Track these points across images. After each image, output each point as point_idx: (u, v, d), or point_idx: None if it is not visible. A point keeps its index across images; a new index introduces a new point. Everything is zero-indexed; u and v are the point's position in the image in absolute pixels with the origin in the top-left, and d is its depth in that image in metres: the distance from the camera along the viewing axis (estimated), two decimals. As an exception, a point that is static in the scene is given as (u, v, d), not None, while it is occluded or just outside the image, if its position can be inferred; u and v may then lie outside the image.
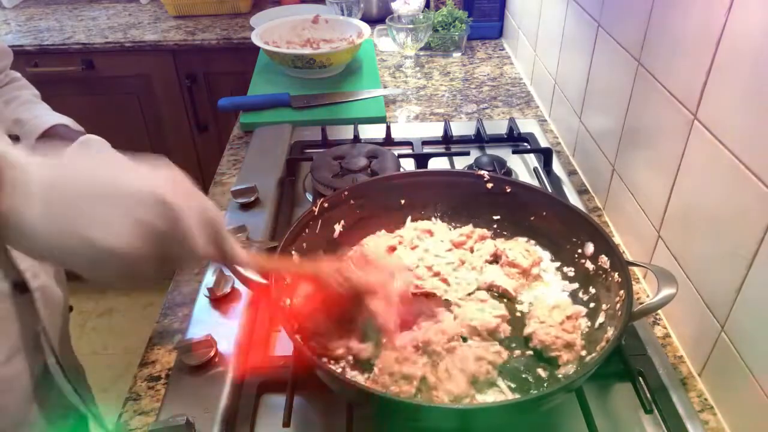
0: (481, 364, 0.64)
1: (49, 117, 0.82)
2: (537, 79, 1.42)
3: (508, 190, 0.84)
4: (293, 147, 1.17)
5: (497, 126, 1.23)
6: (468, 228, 0.85)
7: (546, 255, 0.81)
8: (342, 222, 0.82)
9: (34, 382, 0.69)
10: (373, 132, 1.23)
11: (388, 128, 1.18)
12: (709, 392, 0.72)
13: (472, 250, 0.82)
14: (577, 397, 0.65)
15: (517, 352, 0.70)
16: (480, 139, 1.18)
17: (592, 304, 0.72)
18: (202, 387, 0.69)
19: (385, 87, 1.48)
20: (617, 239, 0.98)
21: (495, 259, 0.81)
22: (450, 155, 1.13)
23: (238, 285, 0.82)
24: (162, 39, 1.83)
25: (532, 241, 0.83)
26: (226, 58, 1.84)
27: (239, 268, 0.67)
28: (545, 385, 0.66)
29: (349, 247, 0.82)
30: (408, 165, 1.11)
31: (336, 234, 0.81)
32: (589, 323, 0.71)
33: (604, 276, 0.71)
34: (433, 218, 0.88)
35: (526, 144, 1.18)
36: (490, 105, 1.39)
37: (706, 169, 0.71)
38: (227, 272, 0.81)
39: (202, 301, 0.82)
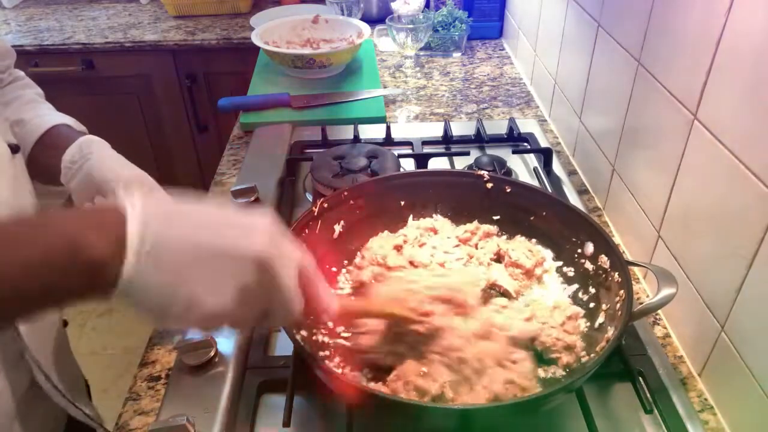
0: (509, 388, 0.62)
1: (51, 117, 0.81)
2: (537, 79, 1.43)
3: (508, 190, 0.84)
4: (293, 147, 1.17)
5: (497, 126, 1.23)
6: (473, 224, 0.84)
7: (547, 254, 0.81)
8: (342, 222, 0.82)
9: (18, 401, 0.67)
10: (373, 132, 1.23)
11: (388, 128, 1.18)
12: (709, 392, 0.72)
13: (476, 247, 0.82)
14: (577, 397, 0.65)
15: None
16: (480, 139, 1.18)
17: (591, 304, 0.72)
18: (202, 387, 0.69)
19: (385, 87, 1.48)
20: (617, 239, 0.98)
21: (497, 258, 0.81)
22: (450, 155, 1.13)
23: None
24: (162, 39, 1.83)
25: (534, 240, 0.83)
26: (226, 58, 1.84)
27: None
28: (545, 385, 0.66)
29: (354, 249, 0.82)
30: (408, 165, 1.11)
31: (336, 234, 0.81)
32: (588, 324, 0.71)
33: (604, 276, 0.71)
34: (434, 215, 0.87)
35: (526, 144, 1.18)
36: (490, 105, 1.39)
37: (706, 169, 0.71)
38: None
39: (202, 301, 0.82)
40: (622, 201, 0.95)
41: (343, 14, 1.69)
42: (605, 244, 0.72)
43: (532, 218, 0.82)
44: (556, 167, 1.11)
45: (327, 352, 0.70)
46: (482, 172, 0.86)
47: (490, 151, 1.16)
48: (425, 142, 1.17)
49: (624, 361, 0.71)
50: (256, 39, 1.45)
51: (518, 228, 0.84)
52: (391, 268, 0.77)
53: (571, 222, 0.78)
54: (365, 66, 1.55)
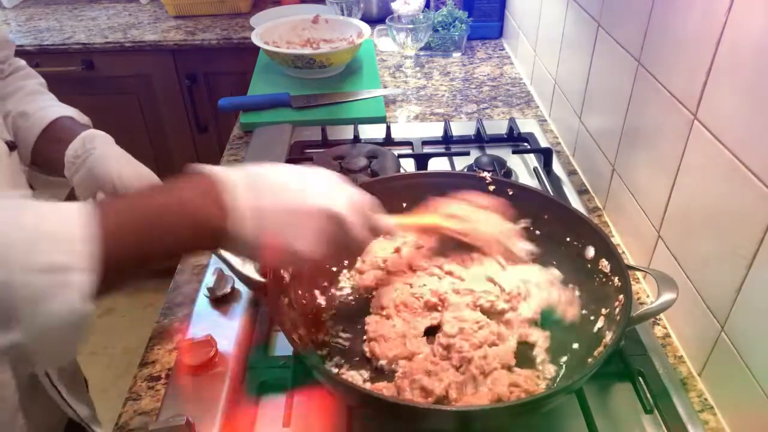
0: (513, 391, 0.63)
1: (54, 108, 0.81)
2: (537, 79, 1.43)
3: (510, 193, 0.83)
4: (293, 147, 1.17)
5: (497, 126, 1.23)
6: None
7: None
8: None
9: (21, 392, 0.68)
10: (373, 132, 1.23)
11: (388, 128, 1.18)
12: (709, 392, 0.72)
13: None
14: (577, 397, 0.65)
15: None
16: (480, 139, 1.18)
17: (591, 308, 0.72)
18: (202, 387, 0.69)
19: (385, 87, 1.48)
20: (617, 239, 0.98)
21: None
22: (450, 155, 1.13)
23: (239, 285, 0.82)
24: (162, 39, 1.83)
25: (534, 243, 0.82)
26: (226, 58, 1.84)
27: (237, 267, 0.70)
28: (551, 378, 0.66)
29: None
30: (408, 165, 1.11)
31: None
32: (587, 325, 0.71)
33: (604, 280, 0.71)
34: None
35: (526, 144, 1.18)
36: (490, 105, 1.39)
37: (706, 169, 0.71)
38: (227, 272, 0.81)
39: (202, 301, 0.82)
40: (622, 201, 0.95)
41: (343, 14, 1.69)
42: (606, 248, 0.72)
43: (533, 221, 0.82)
44: (556, 167, 1.11)
45: (325, 351, 0.70)
46: (484, 174, 0.85)
47: (490, 151, 1.16)
48: (425, 142, 1.17)
49: (624, 361, 0.71)
50: (256, 39, 1.45)
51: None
52: (391, 272, 0.78)
53: (573, 225, 0.77)
54: (365, 66, 1.55)
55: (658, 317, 0.83)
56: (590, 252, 0.74)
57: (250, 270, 0.74)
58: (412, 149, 1.16)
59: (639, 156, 0.90)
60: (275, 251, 0.55)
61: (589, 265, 0.74)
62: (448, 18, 1.61)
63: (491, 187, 0.84)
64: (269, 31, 1.53)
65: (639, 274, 0.90)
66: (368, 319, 0.73)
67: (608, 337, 0.64)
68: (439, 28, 1.61)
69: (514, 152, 1.14)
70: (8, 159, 0.69)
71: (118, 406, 0.72)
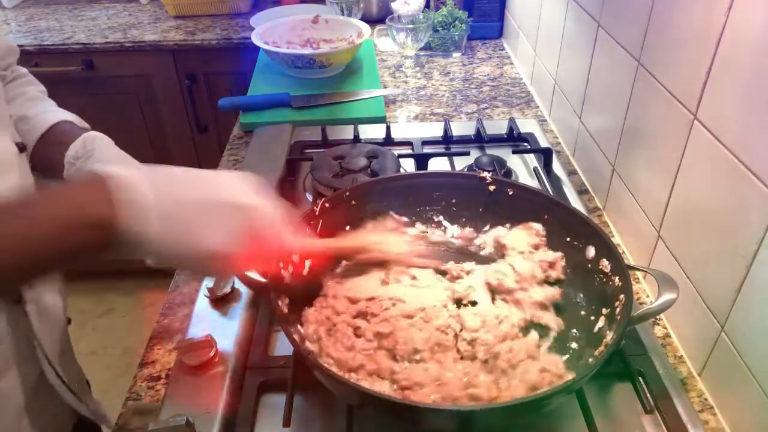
0: (544, 377, 0.62)
1: (54, 113, 0.81)
2: (537, 79, 1.43)
3: (511, 193, 0.83)
4: (293, 147, 1.17)
5: (497, 126, 1.23)
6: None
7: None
8: (342, 222, 0.82)
9: (27, 395, 0.68)
10: (373, 132, 1.23)
11: (388, 128, 1.18)
12: (709, 392, 0.72)
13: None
14: (577, 397, 0.65)
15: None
16: (480, 139, 1.18)
17: (591, 308, 0.72)
18: (202, 387, 0.69)
19: (385, 87, 1.48)
20: (617, 239, 0.98)
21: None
22: (450, 155, 1.13)
23: (238, 285, 0.82)
24: (162, 39, 1.83)
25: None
26: (226, 58, 1.84)
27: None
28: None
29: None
30: (408, 165, 1.11)
31: (336, 234, 0.81)
32: (588, 325, 0.71)
33: (604, 280, 0.71)
34: (435, 216, 0.87)
35: (526, 144, 1.18)
36: (490, 105, 1.39)
37: (706, 169, 0.71)
38: (227, 272, 0.81)
39: (202, 301, 0.82)
40: (622, 201, 0.95)
41: (343, 14, 1.69)
42: (606, 248, 0.72)
43: (533, 221, 0.82)
44: (556, 167, 1.11)
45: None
46: (485, 174, 0.85)
47: (490, 151, 1.16)
48: (425, 142, 1.17)
49: (624, 361, 0.71)
50: (256, 39, 1.45)
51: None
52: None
53: (573, 225, 0.77)
54: (365, 66, 1.55)
55: (658, 317, 0.83)
56: (591, 252, 0.74)
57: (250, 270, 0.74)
58: (412, 149, 1.16)
59: (639, 156, 0.90)
60: (186, 253, 0.51)
61: (589, 265, 0.74)
62: (448, 18, 1.61)
63: (491, 187, 0.84)
64: (269, 31, 1.53)
65: (639, 274, 0.90)
66: (397, 367, 0.64)
67: (609, 337, 0.64)
68: (439, 28, 1.61)
69: (514, 152, 1.14)
70: (18, 159, 0.69)
71: (118, 406, 0.72)
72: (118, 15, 2.04)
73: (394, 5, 1.71)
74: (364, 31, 1.54)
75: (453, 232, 0.85)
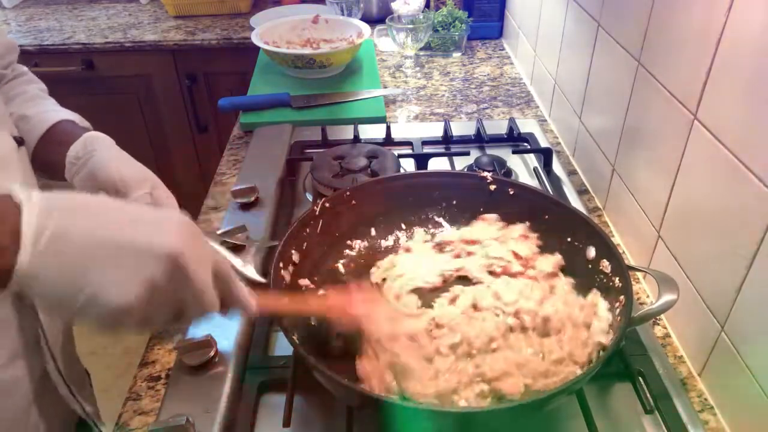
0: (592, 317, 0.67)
1: (55, 113, 0.81)
2: (537, 79, 1.43)
3: (511, 192, 0.83)
4: (293, 147, 1.17)
5: (497, 126, 1.23)
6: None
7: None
8: (343, 222, 0.82)
9: (35, 386, 0.68)
10: (373, 132, 1.23)
11: (388, 128, 1.18)
12: (709, 392, 0.72)
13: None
14: (577, 397, 0.65)
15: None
16: (480, 139, 1.18)
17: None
18: (202, 387, 0.69)
19: (385, 87, 1.48)
20: (617, 239, 0.98)
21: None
22: (450, 155, 1.13)
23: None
24: (162, 39, 1.83)
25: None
26: (226, 58, 1.84)
27: (238, 268, 0.68)
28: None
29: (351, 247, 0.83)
30: (408, 165, 1.11)
31: (337, 234, 0.81)
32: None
33: (604, 280, 0.71)
34: (435, 217, 0.87)
35: (526, 144, 1.18)
36: (490, 105, 1.39)
37: (706, 169, 0.71)
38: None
39: (202, 301, 0.82)
40: (622, 201, 0.95)
41: (343, 14, 1.69)
42: (607, 249, 0.72)
43: (533, 221, 0.82)
44: (556, 167, 1.11)
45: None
46: (485, 174, 0.85)
47: (490, 151, 1.16)
48: (425, 142, 1.17)
49: (624, 361, 0.71)
50: (256, 39, 1.45)
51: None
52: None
53: (574, 225, 0.77)
54: (365, 66, 1.55)
55: (658, 317, 0.83)
56: (591, 252, 0.74)
57: (250, 271, 0.74)
58: (412, 149, 1.16)
59: (639, 156, 0.90)
60: (69, 298, 0.42)
61: (589, 266, 0.74)
62: (448, 18, 1.61)
63: (492, 187, 0.84)
64: (269, 31, 1.53)
65: (639, 274, 0.90)
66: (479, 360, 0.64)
67: (608, 337, 0.64)
68: (439, 28, 1.61)
69: (514, 152, 1.14)
70: (17, 154, 0.69)
71: (118, 406, 0.72)
72: (118, 15, 2.04)
73: (394, 5, 1.71)
74: (364, 31, 1.54)
75: (452, 233, 0.85)
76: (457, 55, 1.65)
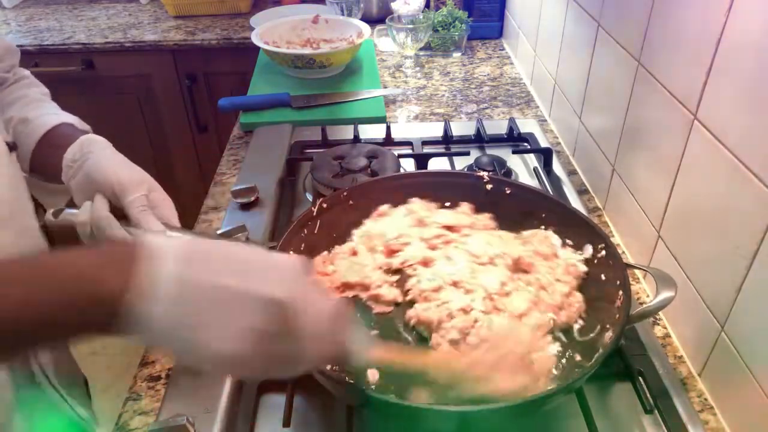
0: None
1: (54, 116, 0.81)
2: (537, 79, 1.43)
3: (508, 192, 0.84)
4: (293, 147, 1.17)
5: (497, 126, 1.23)
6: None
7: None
8: (341, 223, 0.82)
9: (18, 393, 0.68)
10: (373, 132, 1.23)
11: (388, 128, 1.18)
12: (709, 392, 0.72)
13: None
14: (577, 397, 0.65)
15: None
16: (480, 139, 1.18)
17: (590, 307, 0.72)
18: (202, 387, 0.69)
19: (385, 87, 1.48)
20: (617, 239, 0.98)
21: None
22: (450, 155, 1.13)
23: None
24: (162, 39, 1.83)
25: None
26: (226, 58, 1.84)
27: None
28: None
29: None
30: (408, 165, 1.11)
31: (335, 235, 0.81)
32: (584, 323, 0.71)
33: (603, 278, 0.71)
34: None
35: (526, 144, 1.18)
36: (490, 105, 1.39)
37: (706, 169, 0.71)
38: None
39: (202, 301, 0.82)
40: (622, 201, 0.95)
41: (343, 14, 1.69)
42: (604, 246, 0.72)
43: (531, 219, 0.82)
44: (556, 167, 1.11)
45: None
46: (482, 173, 0.86)
47: (490, 151, 1.16)
48: (425, 142, 1.17)
49: (624, 361, 0.71)
50: (256, 39, 1.45)
51: (517, 229, 0.84)
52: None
53: (570, 223, 0.78)
54: (365, 66, 1.55)
55: (658, 317, 0.83)
56: (588, 250, 0.74)
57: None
58: (412, 149, 1.16)
59: (639, 156, 0.90)
60: (185, 348, 0.43)
61: (587, 264, 0.74)
62: (448, 18, 1.61)
63: (489, 186, 0.84)
64: (269, 31, 1.53)
65: (639, 275, 0.90)
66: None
67: (608, 335, 0.64)
68: (439, 28, 1.61)
69: (514, 152, 1.14)
70: (8, 159, 0.69)
71: (118, 406, 0.72)
72: (118, 15, 2.04)
73: (394, 5, 1.71)
74: (364, 31, 1.54)
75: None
76: (457, 55, 1.65)
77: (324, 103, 1.36)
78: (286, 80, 1.47)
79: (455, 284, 0.72)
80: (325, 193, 0.98)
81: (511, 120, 1.20)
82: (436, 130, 1.21)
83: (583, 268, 0.74)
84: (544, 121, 1.33)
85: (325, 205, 0.79)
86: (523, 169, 1.12)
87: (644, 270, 0.71)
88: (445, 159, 1.13)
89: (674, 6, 0.77)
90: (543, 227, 0.81)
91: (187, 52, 1.84)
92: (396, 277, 0.76)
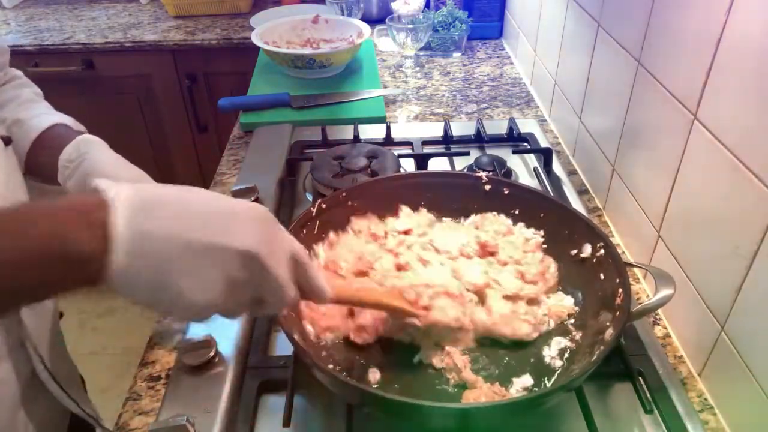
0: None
1: (49, 116, 0.81)
2: (537, 79, 1.43)
3: (506, 192, 0.84)
4: (293, 147, 1.17)
5: (497, 126, 1.23)
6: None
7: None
8: (340, 223, 0.82)
9: (21, 389, 0.68)
10: (373, 132, 1.23)
11: (388, 128, 1.18)
12: (709, 392, 0.72)
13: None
14: (577, 396, 0.65)
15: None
16: (480, 139, 1.18)
17: (591, 305, 0.72)
18: (202, 387, 0.69)
19: (385, 87, 1.48)
20: (617, 239, 0.98)
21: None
22: (450, 155, 1.13)
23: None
24: (162, 39, 1.83)
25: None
26: (226, 58, 1.84)
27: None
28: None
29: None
30: (408, 165, 1.11)
31: (333, 235, 0.81)
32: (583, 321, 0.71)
33: (602, 277, 0.71)
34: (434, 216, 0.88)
35: (526, 144, 1.18)
36: (490, 105, 1.39)
37: (706, 169, 0.71)
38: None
39: (202, 301, 0.82)
40: (622, 201, 0.95)
41: (343, 14, 1.69)
42: (603, 245, 0.72)
43: (530, 219, 0.82)
44: (556, 167, 1.11)
45: (325, 352, 0.70)
46: (481, 174, 0.86)
47: (490, 151, 1.16)
48: (425, 142, 1.17)
49: (624, 361, 0.71)
50: (256, 39, 1.45)
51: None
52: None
53: (569, 223, 0.78)
54: (365, 66, 1.55)
55: (658, 317, 0.83)
56: (587, 249, 0.75)
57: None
58: (412, 149, 1.16)
59: (639, 156, 0.90)
60: (161, 299, 0.44)
61: (586, 263, 0.74)
62: (448, 18, 1.61)
63: (487, 187, 0.84)
64: (269, 31, 1.53)
65: (639, 274, 0.90)
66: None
67: (608, 333, 0.64)
68: (439, 28, 1.61)
69: (514, 152, 1.14)
70: (3, 153, 0.69)
71: (118, 406, 0.72)
72: (118, 15, 2.04)
73: (394, 5, 1.71)
74: (364, 31, 1.54)
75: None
76: (457, 55, 1.65)
77: (324, 103, 1.36)
78: (286, 80, 1.47)
79: (447, 294, 0.70)
80: (325, 193, 0.98)
81: (511, 120, 1.20)
82: (436, 130, 1.21)
83: (539, 238, 0.80)
84: (544, 121, 1.33)
85: (324, 206, 0.79)
86: (523, 169, 1.12)
87: (643, 268, 0.71)
88: (445, 159, 1.13)
89: (674, 6, 0.77)
90: (541, 227, 0.81)
91: (187, 52, 1.84)
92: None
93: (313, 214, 0.78)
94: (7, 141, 0.71)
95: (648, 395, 0.68)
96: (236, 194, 0.99)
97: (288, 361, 0.71)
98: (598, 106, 1.06)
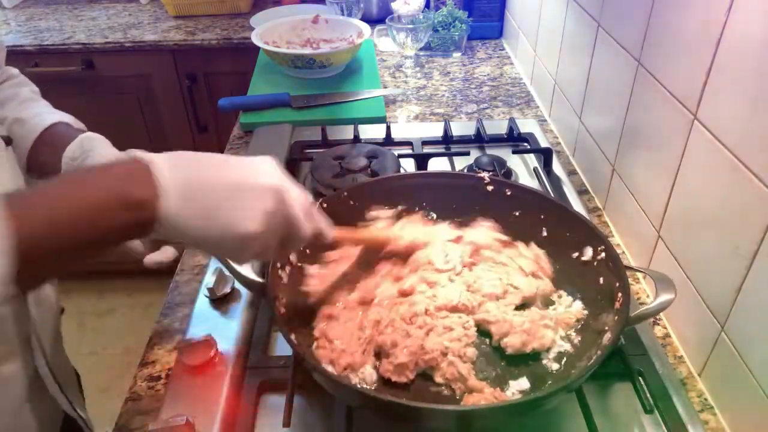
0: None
1: (50, 115, 0.81)
2: (537, 79, 1.43)
3: (509, 193, 0.83)
4: (293, 147, 1.17)
5: (497, 126, 1.23)
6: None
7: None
8: (340, 223, 0.82)
9: (28, 384, 0.68)
10: (373, 132, 1.23)
11: (388, 128, 1.18)
12: (709, 392, 0.72)
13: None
14: (577, 397, 0.65)
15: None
16: (480, 139, 1.18)
17: (590, 308, 0.72)
18: (202, 387, 0.69)
19: (385, 87, 1.48)
20: (617, 240, 0.98)
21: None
22: (450, 155, 1.13)
23: (238, 285, 0.82)
24: (162, 39, 1.83)
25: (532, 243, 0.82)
26: (226, 58, 1.84)
27: (236, 267, 0.69)
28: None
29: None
30: (408, 165, 1.11)
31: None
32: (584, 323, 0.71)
33: (602, 281, 0.71)
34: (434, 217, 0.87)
35: (526, 144, 1.18)
36: (490, 105, 1.39)
37: (706, 170, 0.71)
38: (227, 272, 0.81)
39: (202, 301, 0.82)
40: (622, 201, 0.95)
41: (343, 14, 1.69)
42: (604, 248, 0.72)
43: (531, 221, 0.82)
44: (556, 167, 1.11)
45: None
46: (483, 174, 0.85)
47: (490, 151, 1.16)
48: (425, 142, 1.17)
49: (624, 361, 0.71)
50: (256, 39, 1.45)
51: (517, 231, 0.84)
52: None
53: (571, 225, 0.77)
54: (365, 66, 1.55)
55: (658, 318, 0.83)
56: (588, 252, 0.74)
57: (248, 271, 0.74)
58: (412, 149, 1.16)
59: (639, 156, 0.90)
60: (214, 235, 0.51)
61: (586, 266, 0.74)
62: (448, 18, 1.61)
63: (489, 187, 0.84)
64: (269, 31, 1.53)
65: (639, 275, 0.90)
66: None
67: (607, 336, 0.64)
68: (439, 28, 1.61)
69: (514, 152, 1.14)
70: (5, 153, 0.69)
71: (118, 406, 0.72)
72: (118, 15, 2.04)
73: (394, 5, 1.71)
74: (364, 31, 1.54)
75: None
76: (457, 55, 1.65)
77: (324, 103, 1.36)
78: (286, 80, 1.47)
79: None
80: (326, 193, 0.98)
81: (511, 120, 1.20)
82: (436, 130, 1.21)
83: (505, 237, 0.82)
84: (544, 121, 1.33)
85: (325, 205, 0.79)
86: (523, 169, 1.12)
87: (643, 272, 0.71)
88: (445, 159, 1.13)
89: (674, 6, 0.77)
90: (543, 228, 0.81)
91: (187, 52, 1.84)
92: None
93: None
94: (8, 141, 0.71)
95: (648, 395, 0.68)
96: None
97: (288, 361, 0.71)
98: (598, 106, 1.06)
